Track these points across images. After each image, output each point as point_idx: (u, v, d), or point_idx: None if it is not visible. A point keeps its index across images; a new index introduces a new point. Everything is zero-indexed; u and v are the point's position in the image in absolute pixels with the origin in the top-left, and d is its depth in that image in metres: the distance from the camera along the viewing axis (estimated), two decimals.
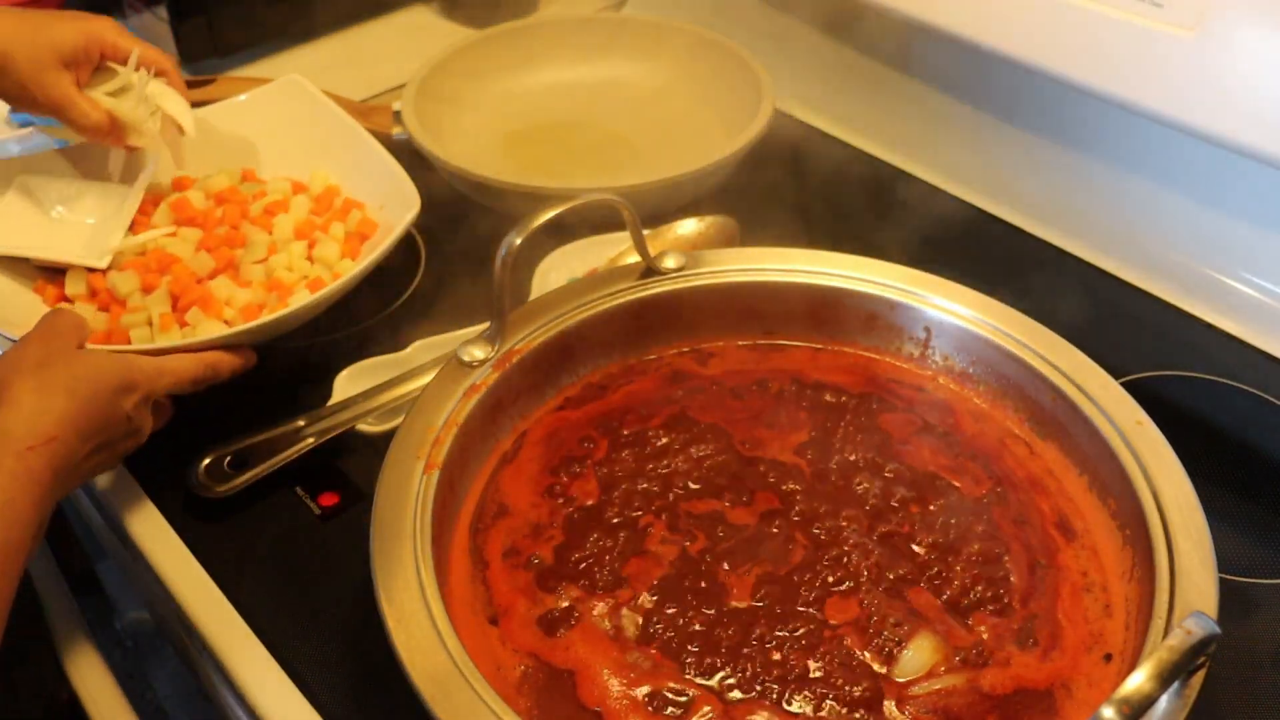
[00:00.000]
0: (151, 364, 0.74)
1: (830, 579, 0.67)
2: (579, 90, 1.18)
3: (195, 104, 1.03)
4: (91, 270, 0.88)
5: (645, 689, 0.61)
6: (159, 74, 0.87)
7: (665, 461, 0.74)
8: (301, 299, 0.84)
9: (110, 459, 0.72)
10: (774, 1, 1.22)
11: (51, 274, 0.89)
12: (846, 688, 0.61)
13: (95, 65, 0.85)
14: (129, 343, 0.83)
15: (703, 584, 0.67)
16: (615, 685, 0.62)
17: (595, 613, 0.65)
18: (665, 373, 0.81)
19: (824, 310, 0.81)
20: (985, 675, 0.62)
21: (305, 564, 0.75)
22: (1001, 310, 0.77)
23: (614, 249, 0.92)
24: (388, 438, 0.69)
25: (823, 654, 0.63)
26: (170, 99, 0.88)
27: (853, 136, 1.16)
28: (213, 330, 0.82)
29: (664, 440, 0.75)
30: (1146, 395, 0.71)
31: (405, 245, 0.99)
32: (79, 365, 0.68)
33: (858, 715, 0.60)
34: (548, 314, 0.77)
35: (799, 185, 1.07)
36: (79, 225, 0.90)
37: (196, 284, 0.86)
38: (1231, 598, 0.71)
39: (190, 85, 1.07)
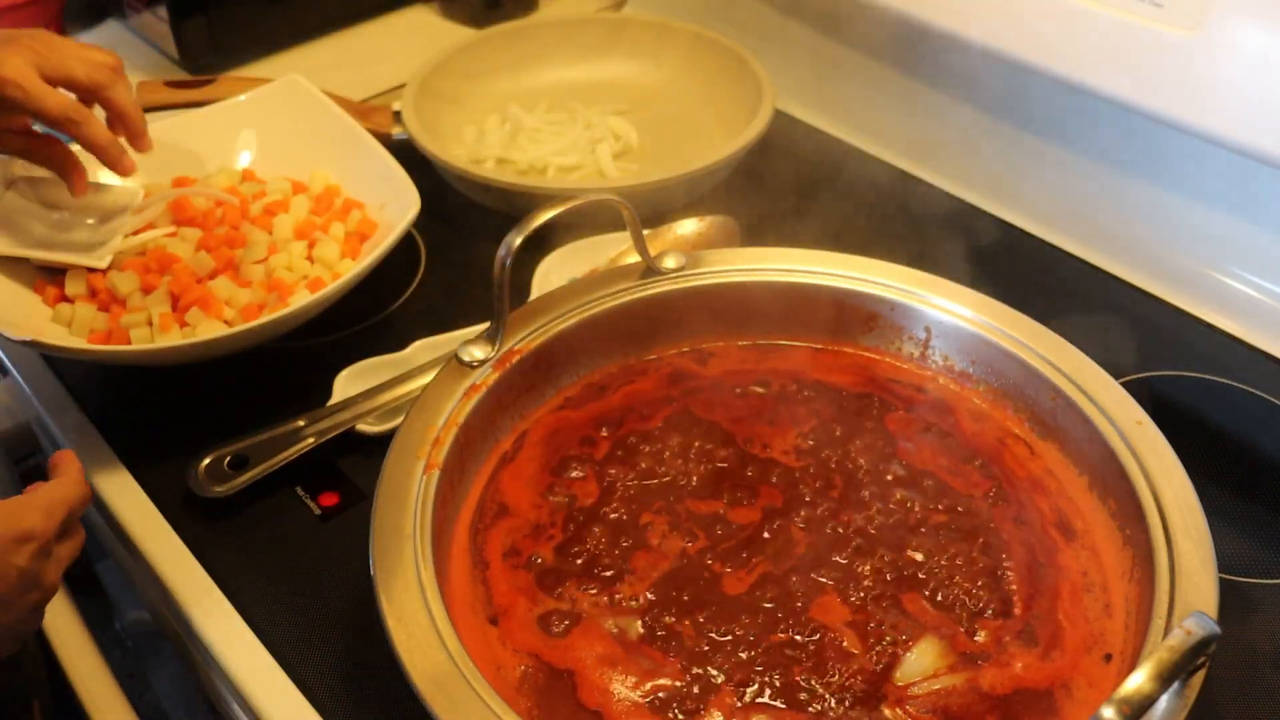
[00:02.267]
0: (42, 501, 0.63)
1: (830, 579, 0.67)
2: (579, 90, 1.18)
3: (195, 104, 1.04)
4: (91, 270, 0.88)
5: (645, 689, 0.61)
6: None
7: (665, 461, 0.74)
8: (301, 299, 0.84)
9: (8, 619, 0.62)
10: (774, 1, 1.22)
11: (51, 274, 0.89)
12: (847, 688, 0.61)
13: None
14: (129, 343, 0.83)
15: (703, 584, 0.67)
16: (615, 685, 0.62)
17: (595, 613, 0.65)
18: (665, 373, 0.81)
19: (824, 310, 0.81)
20: (985, 675, 0.62)
21: (305, 564, 0.75)
22: (1001, 310, 0.77)
23: (614, 249, 0.92)
24: (388, 438, 0.69)
25: (823, 654, 0.63)
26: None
27: (853, 136, 1.16)
28: (213, 330, 0.82)
29: (664, 440, 0.75)
30: (1146, 395, 0.71)
31: (405, 245, 0.99)
32: None
33: (858, 715, 0.60)
34: (548, 314, 0.77)
35: (799, 185, 1.07)
36: (79, 225, 0.90)
37: (196, 284, 0.86)
38: (1231, 598, 0.71)
39: (190, 85, 1.07)
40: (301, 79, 1.02)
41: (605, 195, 0.76)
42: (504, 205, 1.01)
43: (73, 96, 0.83)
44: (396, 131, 1.06)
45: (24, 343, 0.78)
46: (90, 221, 0.91)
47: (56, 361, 0.90)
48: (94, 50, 0.84)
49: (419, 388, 0.80)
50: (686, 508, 0.71)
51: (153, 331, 0.84)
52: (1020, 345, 0.75)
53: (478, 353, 0.73)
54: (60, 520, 0.64)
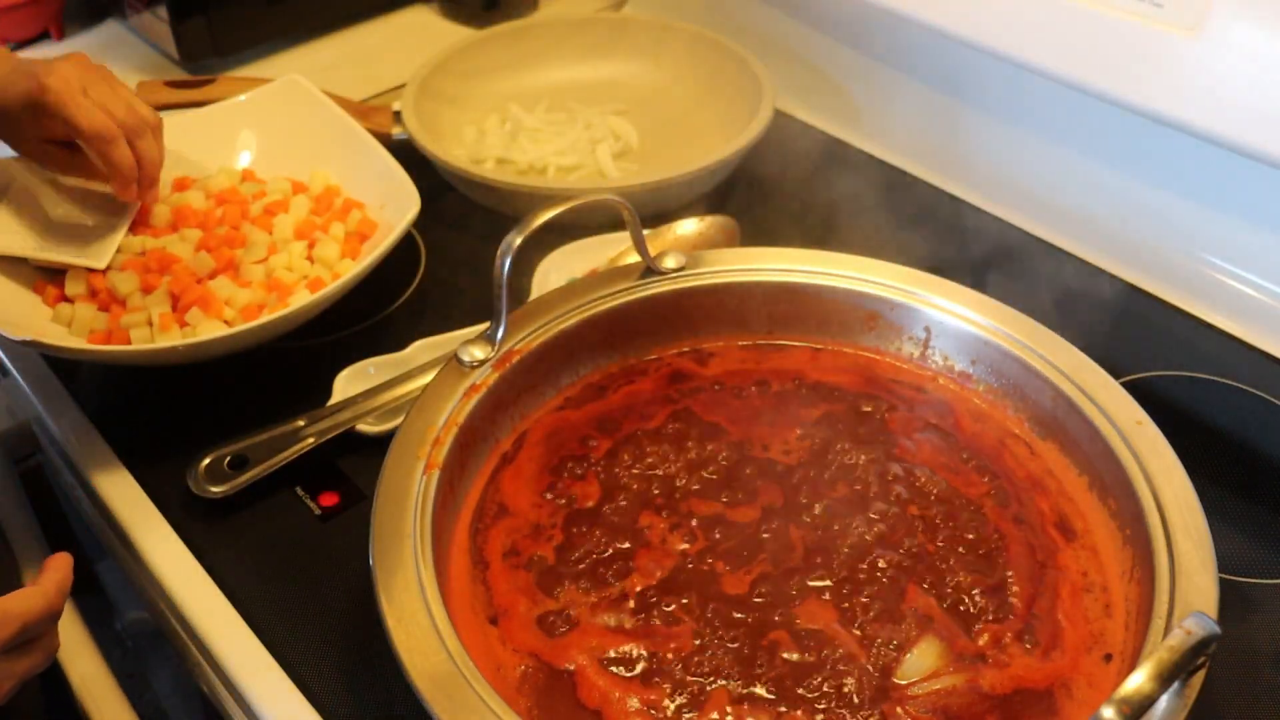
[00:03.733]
0: None
1: (830, 579, 0.67)
2: (579, 90, 1.18)
3: (195, 104, 1.04)
4: (91, 270, 0.88)
5: (645, 689, 0.61)
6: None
7: (665, 461, 0.74)
8: (301, 299, 0.84)
9: None
10: (774, 1, 1.22)
11: (51, 274, 0.89)
12: (847, 688, 0.61)
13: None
14: (129, 343, 0.83)
15: (703, 584, 0.67)
16: (615, 685, 0.62)
17: (595, 613, 0.65)
18: (665, 373, 0.81)
19: (824, 310, 0.81)
20: (985, 675, 0.62)
21: (305, 564, 0.75)
22: (1001, 310, 0.77)
23: (614, 249, 0.92)
24: (388, 438, 0.69)
25: (823, 654, 0.63)
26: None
27: (853, 137, 1.16)
28: (213, 330, 0.82)
29: (664, 440, 0.75)
30: (1146, 395, 0.71)
31: (405, 245, 0.99)
32: None
33: (858, 715, 0.60)
34: (548, 314, 0.77)
35: (799, 185, 1.07)
36: (79, 225, 0.90)
37: (196, 284, 0.86)
38: (1231, 598, 0.71)
39: (190, 85, 1.07)
40: (301, 79, 1.02)
41: (605, 195, 0.76)
42: (504, 205, 1.01)
43: (108, 118, 0.84)
44: (396, 131, 1.06)
45: (24, 343, 0.78)
46: (90, 222, 0.91)
47: (56, 361, 0.90)
48: (141, 103, 0.86)
49: (419, 388, 0.80)
50: (686, 508, 0.71)
51: (153, 331, 0.84)
52: (1020, 345, 0.75)
53: (478, 353, 0.73)
54: (11, 634, 0.60)
